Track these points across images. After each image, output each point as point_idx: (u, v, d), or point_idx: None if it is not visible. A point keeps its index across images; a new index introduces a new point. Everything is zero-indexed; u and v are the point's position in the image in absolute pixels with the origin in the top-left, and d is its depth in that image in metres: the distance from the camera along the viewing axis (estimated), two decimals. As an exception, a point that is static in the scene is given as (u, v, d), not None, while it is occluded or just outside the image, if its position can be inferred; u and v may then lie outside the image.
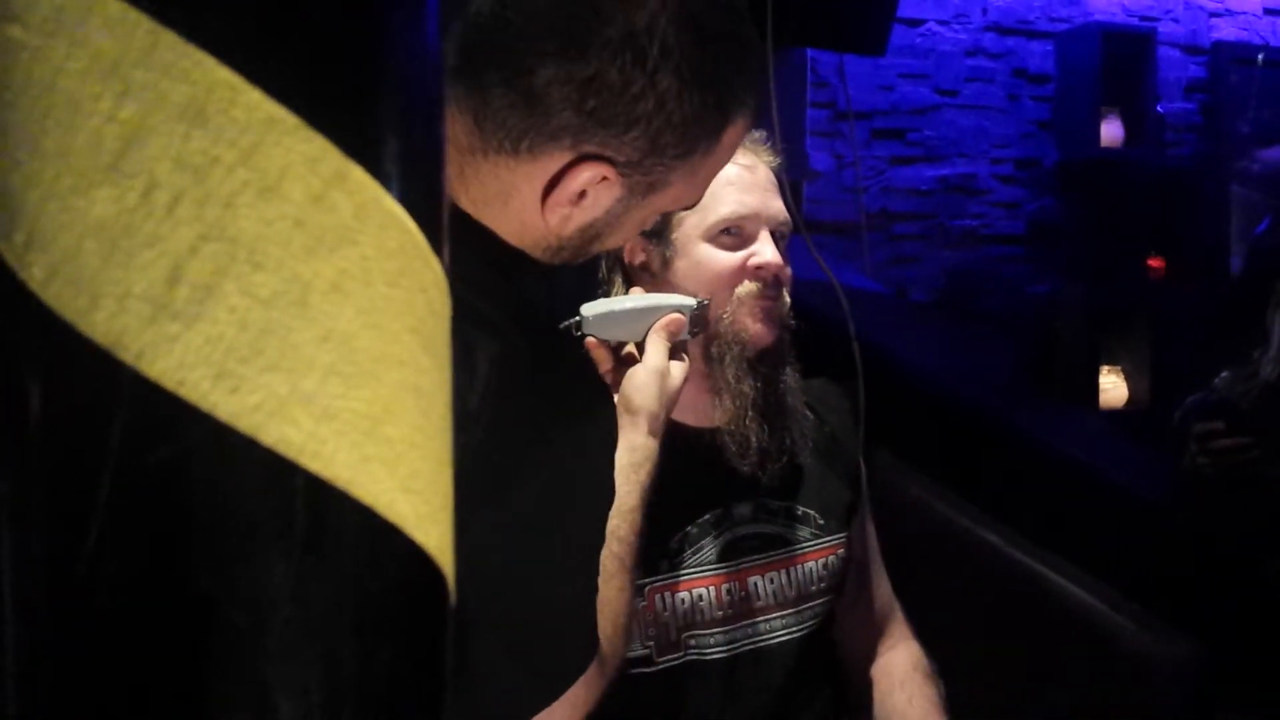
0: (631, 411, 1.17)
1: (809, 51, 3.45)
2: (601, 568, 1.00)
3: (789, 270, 1.43)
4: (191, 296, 0.37)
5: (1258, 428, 2.32)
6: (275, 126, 0.38)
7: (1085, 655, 1.99)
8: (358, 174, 0.40)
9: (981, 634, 2.04)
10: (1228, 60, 4.24)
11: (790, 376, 1.50)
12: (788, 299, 1.45)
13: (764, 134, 1.52)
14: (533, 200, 0.90)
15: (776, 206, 1.47)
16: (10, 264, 0.39)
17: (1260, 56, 4.19)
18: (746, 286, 1.41)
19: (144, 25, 0.36)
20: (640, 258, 1.46)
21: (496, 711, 0.86)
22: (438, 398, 0.43)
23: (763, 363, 1.45)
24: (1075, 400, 3.87)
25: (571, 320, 1.21)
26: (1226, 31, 4.33)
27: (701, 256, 1.44)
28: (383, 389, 0.41)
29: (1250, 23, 4.36)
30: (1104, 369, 3.93)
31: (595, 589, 0.94)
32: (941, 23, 3.87)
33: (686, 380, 1.22)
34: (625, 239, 1.05)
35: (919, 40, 3.83)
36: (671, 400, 1.21)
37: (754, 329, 1.40)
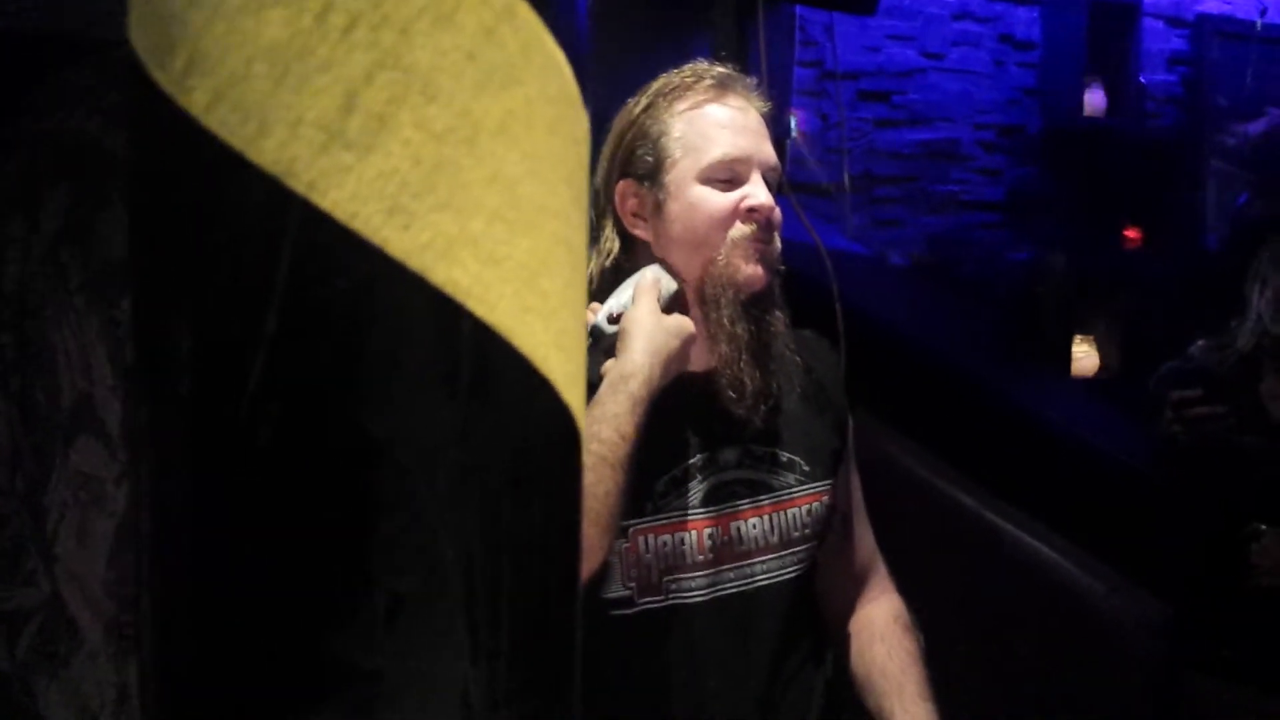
0: (623, 338, 1.23)
1: (798, 9, 3.43)
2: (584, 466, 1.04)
3: (780, 214, 1.42)
4: (366, 126, 0.36)
5: (1232, 396, 2.35)
6: (452, -49, 0.37)
7: (1055, 615, 2.01)
8: (524, 9, 0.39)
9: (953, 592, 2.05)
10: (1210, 33, 4.27)
11: (779, 320, 1.50)
12: (779, 242, 1.44)
13: (755, 80, 1.50)
14: None
15: (768, 151, 1.46)
16: (167, 90, 0.37)
17: (1258, 23, 4.22)
18: (739, 229, 1.40)
19: None
20: (632, 203, 1.44)
21: None
22: (581, 255, 0.42)
23: (755, 305, 1.44)
24: (1052, 366, 3.90)
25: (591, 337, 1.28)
26: (1210, 4, 4.35)
27: (695, 198, 1.42)
28: (541, 239, 0.40)
29: (1234, -4, 4.39)
30: (1077, 338, 3.96)
31: None
32: (930, -15, 3.86)
33: (687, 325, 1.29)
34: None
35: (907, 2, 3.82)
36: (677, 330, 1.27)
37: (747, 271, 1.38)
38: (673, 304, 1.34)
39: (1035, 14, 4.07)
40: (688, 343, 1.30)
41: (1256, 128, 4.11)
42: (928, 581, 1.95)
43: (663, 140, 1.39)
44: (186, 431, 0.37)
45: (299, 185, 0.35)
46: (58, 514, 1.27)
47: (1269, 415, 2.42)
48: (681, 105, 1.39)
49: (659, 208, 1.41)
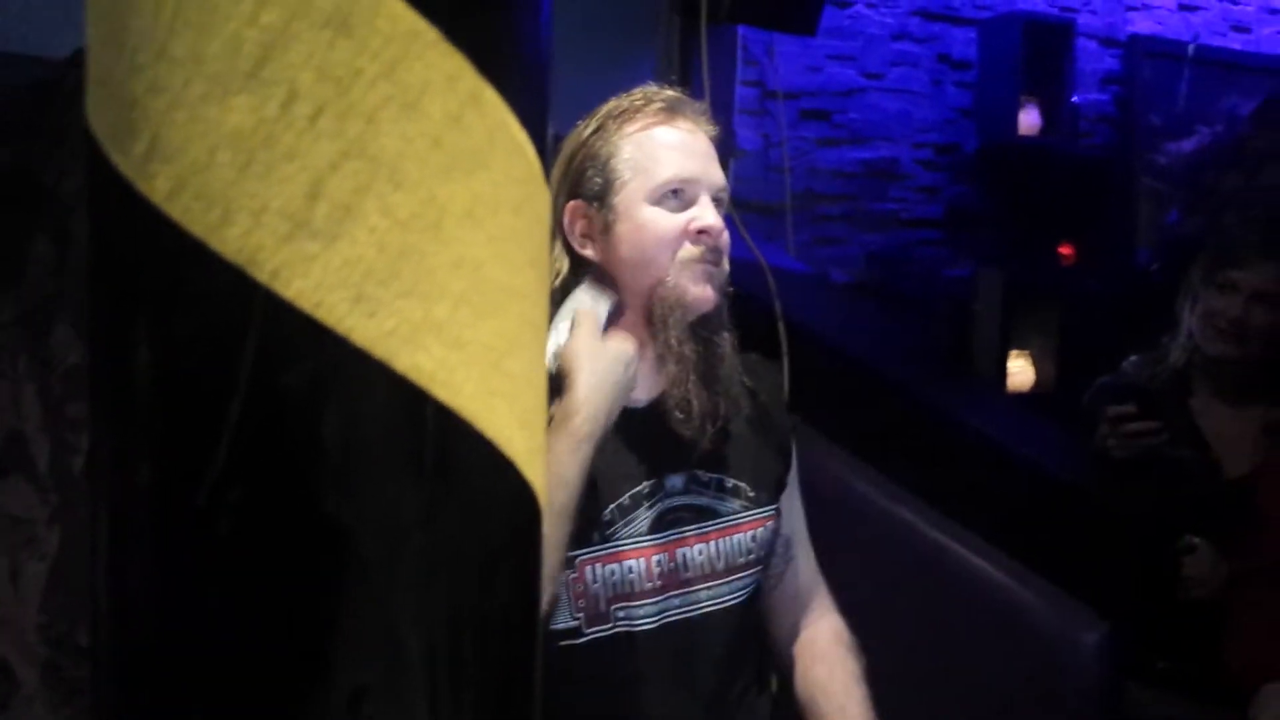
0: (566, 375, 1.21)
1: (740, 29, 3.45)
2: None
3: (728, 236, 1.43)
4: (331, 214, 0.36)
5: (1165, 411, 2.39)
6: (418, 39, 0.36)
7: (993, 629, 2.03)
8: (490, 95, 0.39)
9: (893, 607, 2.06)
10: (1142, 53, 4.34)
11: (727, 341, 1.50)
12: (727, 264, 1.45)
13: (704, 104, 1.51)
14: None
15: (717, 173, 1.46)
16: (127, 175, 0.36)
17: (1190, 49, 4.31)
18: (688, 250, 1.40)
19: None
20: (581, 224, 1.44)
21: None
22: (545, 332, 0.42)
23: (703, 326, 1.44)
24: (989, 381, 3.94)
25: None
26: (1142, 25, 4.43)
27: (644, 219, 1.42)
28: (507, 321, 0.40)
29: (1165, 17, 4.47)
30: (1012, 353, 4.01)
31: None
32: (869, 5, 3.90)
33: (633, 349, 1.26)
34: None
35: (847, 22, 3.85)
36: (618, 359, 1.26)
37: (695, 292, 1.38)
38: (611, 319, 1.33)
39: (972, 34, 4.13)
40: (631, 367, 1.29)
41: (1187, 146, 4.20)
42: (864, 596, 1.97)
43: (612, 162, 1.39)
44: (146, 520, 0.37)
45: (262, 275, 0.35)
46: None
47: (1200, 430, 2.46)
48: (631, 128, 1.40)
49: (608, 228, 1.41)
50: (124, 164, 0.36)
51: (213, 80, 0.35)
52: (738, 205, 3.52)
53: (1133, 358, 2.58)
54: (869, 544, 2.12)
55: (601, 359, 1.27)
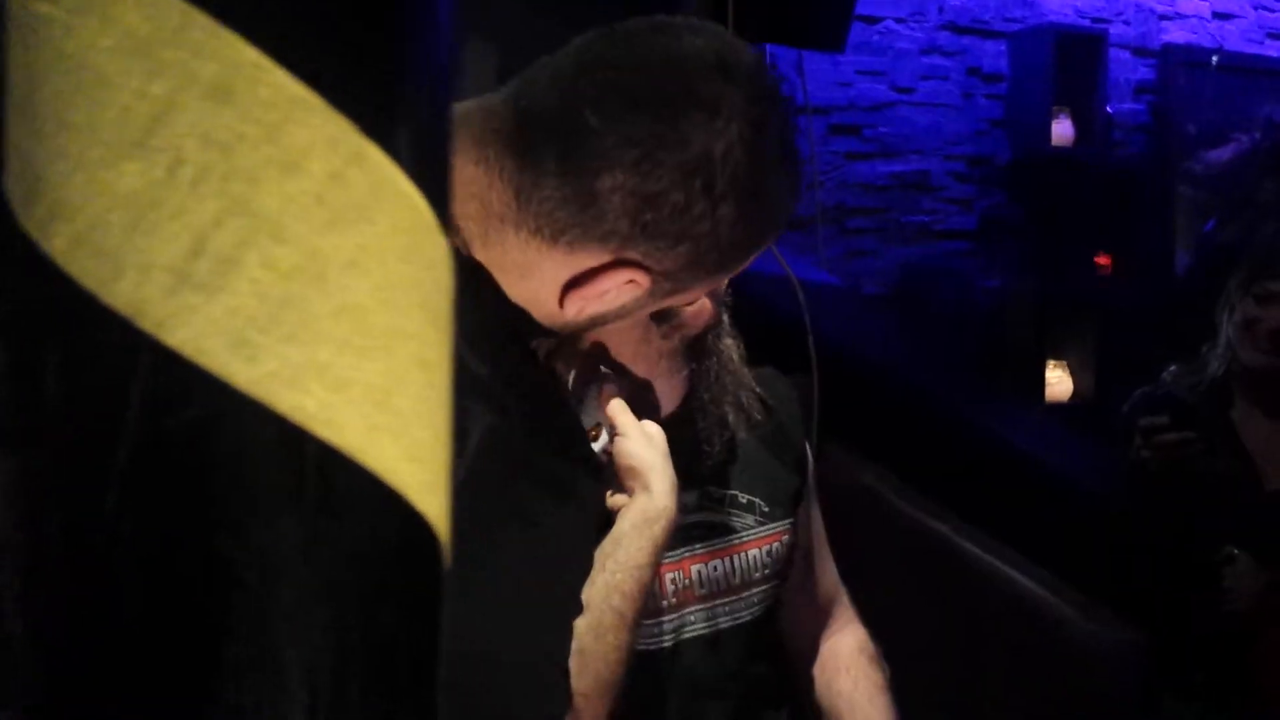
0: (636, 475, 1.21)
1: (769, 47, 3.47)
2: (598, 623, 1.03)
3: None
4: (214, 269, 0.39)
5: (1205, 422, 2.37)
6: (299, 106, 0.39)
7: (1031, 643, 2.02)
8: (374, 153, 0.42)
9: (929, 621, 2.06)
10: (1176, 63, 4.32)
11: (732, 348, 1.50)
12: None
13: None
14: (553, 284, 0.88)
15: None
16: (31, 235, 0.40)
17: (1214, 59, 4.27)
18: None
19: (176, 6, 0.38)
20: None
21: None
22: (441, 370, 0.45)
23: (702, 341, 1.45)
24: (1024, 393, 3.92)
25: (596, 435, 1.24)
26: (1176, 34, 4.40)
27: None
28: (394, 361, 0.42)
29: (1199, 26, 4.44)
30: (1050, 363, 3.98)
31: (563, 656, 0.93)
32: (899, 20, 3.91)
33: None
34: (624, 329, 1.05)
35: (876, 38, 3.87)
36: (665, 447, 1.26)
37: (693, 306, 1.39)
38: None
39: (1003, 47, 4.13)
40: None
41: (1223, 154, 4.16)
42: (900, 610, 1.97)
43: None
44: (47, 554, 0.40)
45: (148, 324, 0.38)
46: None
47: (1241, 441, 2.44)
48: None
49: None
50: (29, 223, 0.39)
51: (107, 147, 0.38)
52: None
53: (1172, 368, 2.57)
54: (903, 559, 2.12)
55: (661, 457, 1.27)
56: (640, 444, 1.24)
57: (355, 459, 0.41)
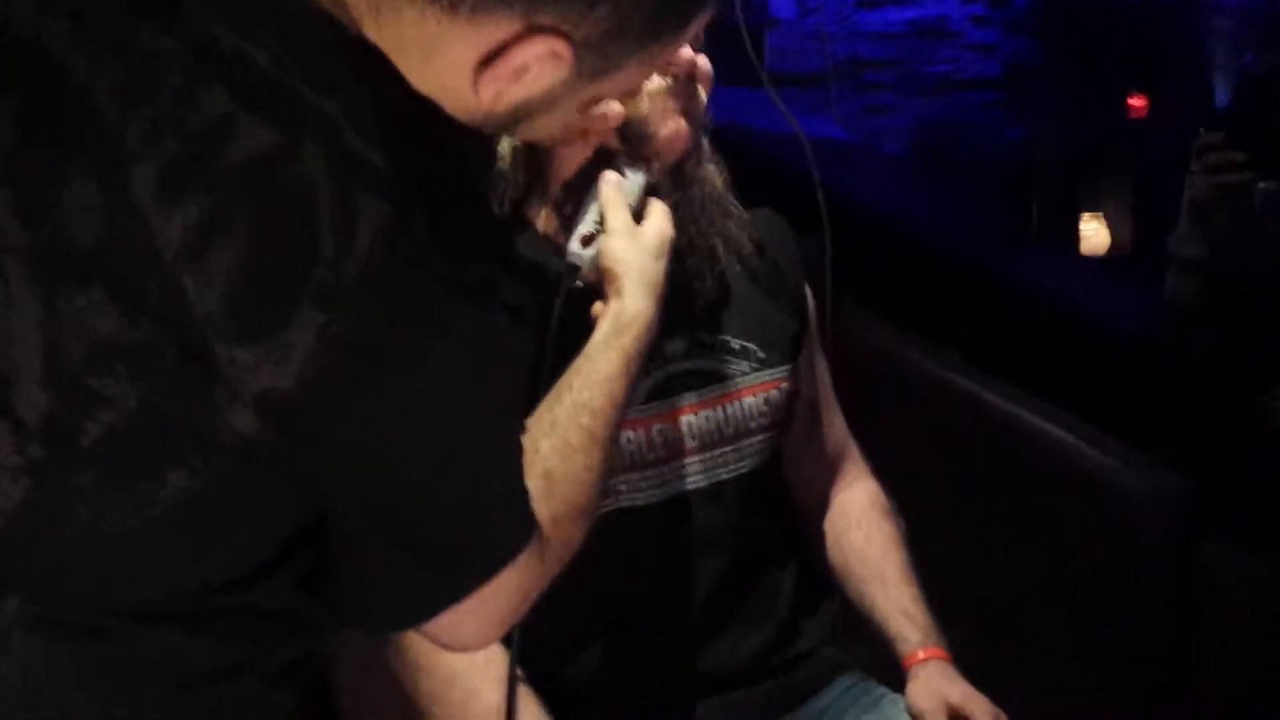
0: (613, 279, 1.11)
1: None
2: (565, 443, 0.96)
3: (708, 69, 1.31)
4: None
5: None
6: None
7: (1067, 494, 1.97)
8: None
9: (959, 480, 2.01)
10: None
11: (714, 175, 1.40)
12: (703, 96, 1.33)
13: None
14: (462, 65, 0.77)
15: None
16: None
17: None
18: (654, 83, 1.28)
19: None
20: None
21: (402, 608, 0.83)
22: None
23: (681, 169, 1.34)
24: (1058, 249, 3.86)
25: (566, 265, 1.14)
26: None
27: None
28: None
29: None
30: (1085, 215, 3.86)
31: (510, 476, 0.86)
32: None
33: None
34: (554, 126, 0.92)
35: None
36: (660, 249, 1.14)
37: (666, 130, 1.28)
38: (643, 200, 1.21)
39: (1021, -126, 3.92)
40: (668, 248, 1.16)
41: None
42: (924, 468, 1.90)
43: None
44: None
45: None
46: None
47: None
48: None
49: None
50: None
51: None
52: (776, 78, 3.39)
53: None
54: (929, 418, 2.05)
55: (646, 256, 1.15)
56: (621, 242, 1.12)
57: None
